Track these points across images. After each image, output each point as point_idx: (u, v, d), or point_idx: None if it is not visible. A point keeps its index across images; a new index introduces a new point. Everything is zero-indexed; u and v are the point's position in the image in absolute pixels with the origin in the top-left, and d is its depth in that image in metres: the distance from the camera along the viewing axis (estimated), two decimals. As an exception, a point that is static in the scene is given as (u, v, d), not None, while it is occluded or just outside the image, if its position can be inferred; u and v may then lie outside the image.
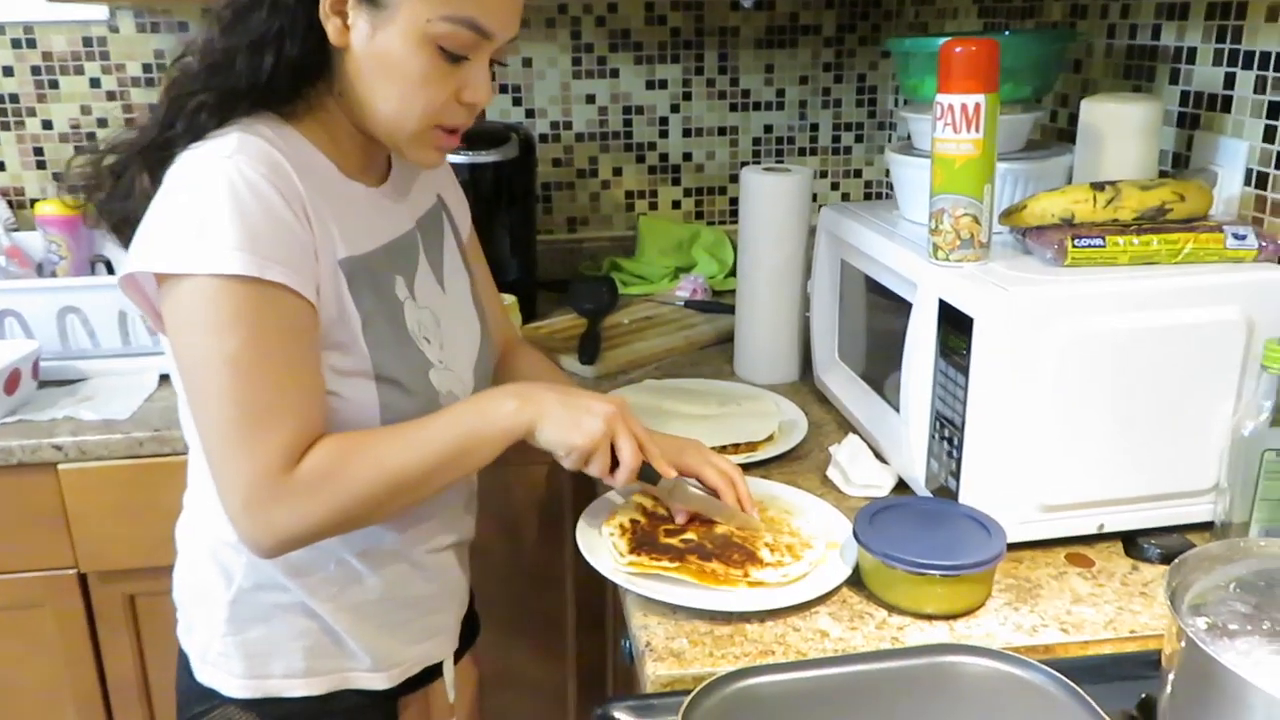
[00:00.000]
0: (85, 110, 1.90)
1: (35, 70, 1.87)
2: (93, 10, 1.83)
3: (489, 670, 1.52)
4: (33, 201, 1.88)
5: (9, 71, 1.86)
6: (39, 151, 1.90)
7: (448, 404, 0.98)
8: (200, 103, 0.88)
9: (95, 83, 1.89)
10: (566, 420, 0.92)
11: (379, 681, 1.03)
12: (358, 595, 1.00)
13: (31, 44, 1.85)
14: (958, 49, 1.00)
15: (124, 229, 0.90)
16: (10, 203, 1.86)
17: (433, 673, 1.11)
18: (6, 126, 1.88)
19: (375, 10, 0.86)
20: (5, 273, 1.68)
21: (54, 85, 1.88)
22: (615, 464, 0.94)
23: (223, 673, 1.00)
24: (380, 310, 0.93)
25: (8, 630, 1.45)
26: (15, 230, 1.79)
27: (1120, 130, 1.14)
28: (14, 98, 1.87)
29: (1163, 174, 1.25)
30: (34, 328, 1.52)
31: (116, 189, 0.92)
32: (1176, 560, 0.73)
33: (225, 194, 0.82)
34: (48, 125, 1.89)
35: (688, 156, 2.08)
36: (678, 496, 1.04)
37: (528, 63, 1.98)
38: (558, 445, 0.93)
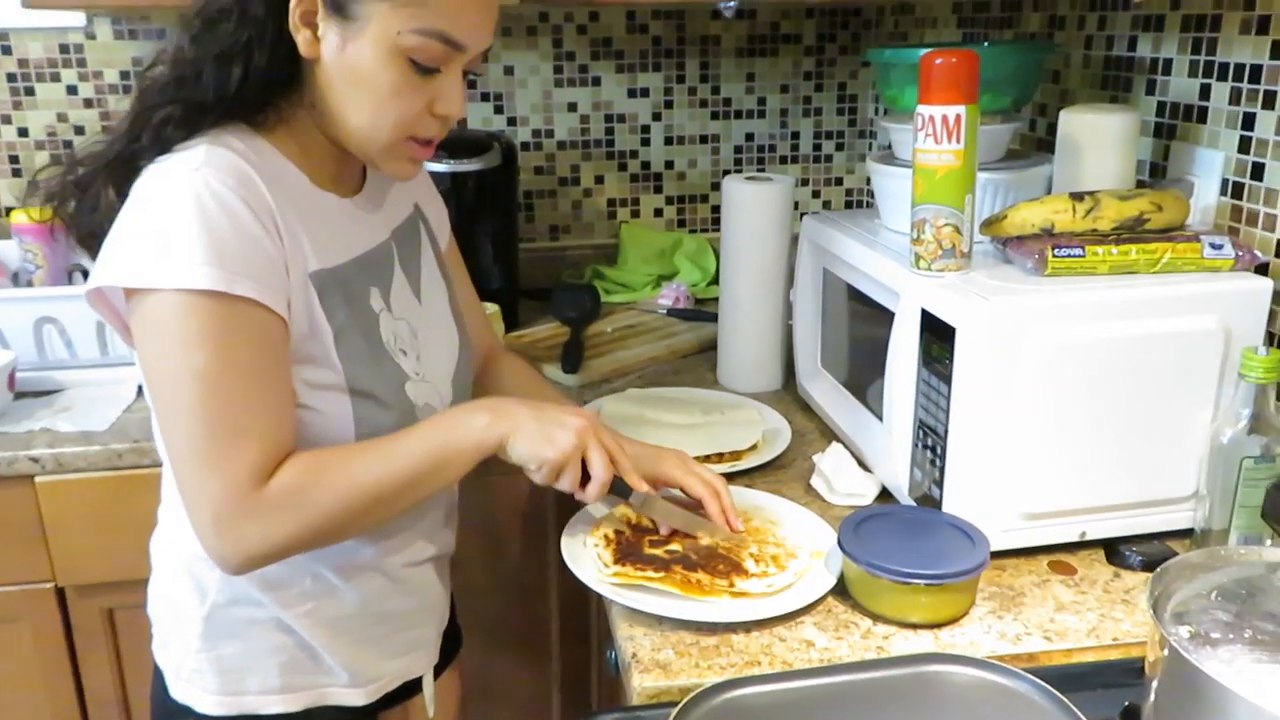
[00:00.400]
0: (62, 118, 1.88)
1: (11, 77, 1.85)
2: (70, 17, 1.82)
3: (472, 682, 1.51)
4: (8, 210, 1.86)
5: (-17, 79, 1.84)
6: (14, 160, 1.88)
7: (424, 416, 0.98)
8: (166, 115, 0.87)
9: (72, 90, 1.87)
10: (538, 434, 0.91)
11: (357, 697, 1.02)
12: (334, 610, 0.99)
13: (7, 51, 1.83)
14: (938, 60, 1.01)
15: (91, 242, 0.89)
16: (-14, 210, 1.84)
17: (413, 688, 1.10)
18: (-19, 134, 1.86)
19: (345, 22, 0.85)
20: (-21, 283, 1.66)
21: (30, 92, 1.86)
22: (587, 478, 0.94)
23: (197, 689, 0.99)
24: (353, 323, 0.92)
25: (-17, 645, 1.43)
26: (-12, 239, 1.77)
27: (1098, 141, 1.15)
28: (-11, 105, 1.85)
29: (1140, 184, 1.26)
30: (10, 338, 1.50)
31: (83, 202, 0.90)
32: (1159, 569, 0.74)
33: (192, 207, 0.81)
34: (24, 133, 1.87)
35: (669, 164, 2.09)
36: (652, 510, 1.04)
37: (509, 71, 1.98)
38: (529, 459, 0.92)
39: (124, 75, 1.88)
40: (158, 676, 1.02)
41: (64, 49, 1.85)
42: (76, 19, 1.83)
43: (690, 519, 1.04)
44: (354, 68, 0.86)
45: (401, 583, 1.03)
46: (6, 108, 1.86)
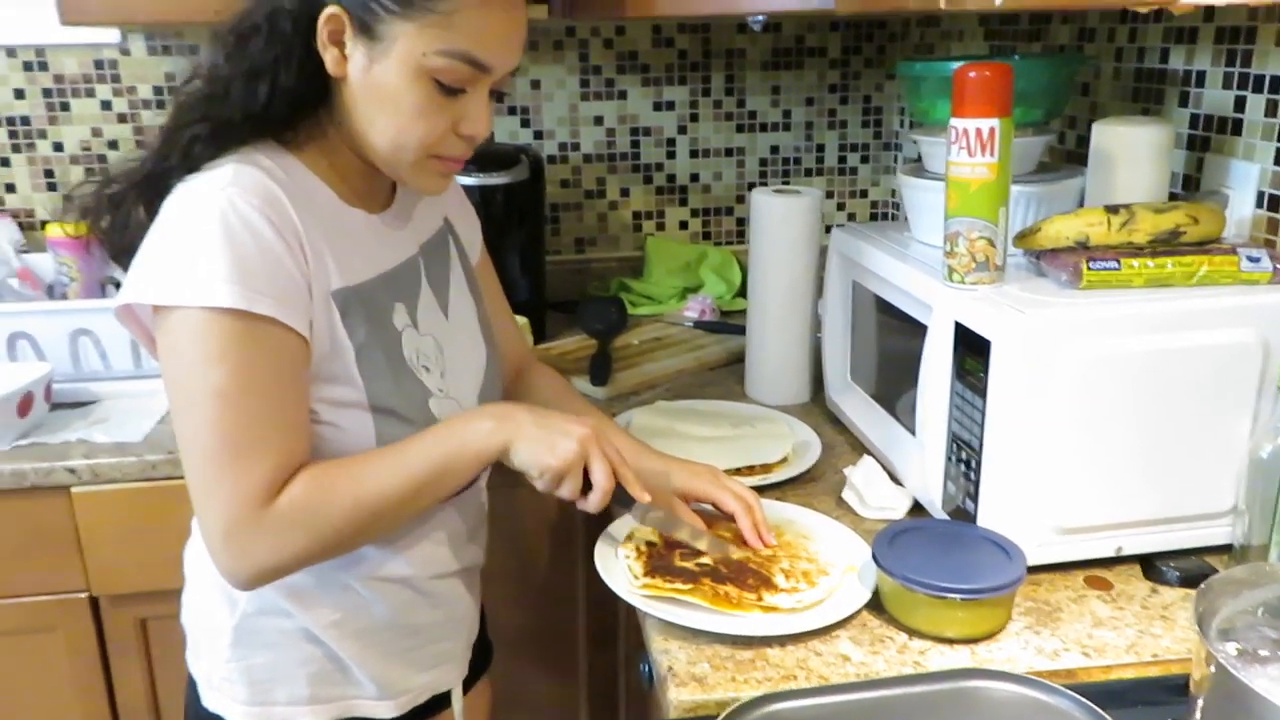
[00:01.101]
0: (96, 132, 1.90)
1: (47, 93, 1.88)
2: (104, 33, 1.85)
3: (501, 693, 1.51)
4: (43, 223, 1.89)
5: (20, 94, 1.87)
6: (49, 174, 1.91)
7: None
8: (194, 134, 0.88)
9: (106, 105, 1.90)
10: (541, 441, 0.91)
11: (385, 710, 1.02)
12: (362, 622, 0.99)
13: (43, 66, 1.86)
14: (972, 74, 1.01)
15: (124, 258, 0.90)
16: (21, 224, 1.86)
17: (442, 701, 1.10)
18: (18, 149, 1.89)
19: (372, 42, 0.85)
20: (17, 295, 1.68)
21: (65, 108, 1.89)
22: (589, 488, 0.94)
23: (227, 699, 1.00)
24: (375, 341, 0.92)
25: (19, 654, 1.44)
26: (26, 252, 1.79)
27: (1132, 153, 1.15)
28: (25, 120, 1.88)
29: (1173, 196, 1.25)
30: (46, 350, 1.52)
31: (116, 218, 0.92)
32: (1202, 585, 0.73)
33: (217, 226, 0.82)
34: (59, 147, 1.90)
35: (695, 177, 2.09)
36: (653, 521, 1.03)
37: (536, 85, 1.99)
38: (531, 466, 0.92)
39: (157, 91, 1.90)
40: (191, 686, 1.04)
41: (99, 65, 1.88)
42: (111, 35, 1.86)
43: (694, 532, 1.03)
44: (380, 87, 0.87)
45: (429, 595, 1.04)
46: (43, 122, 1.89)
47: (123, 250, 0.90)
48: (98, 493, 1.37)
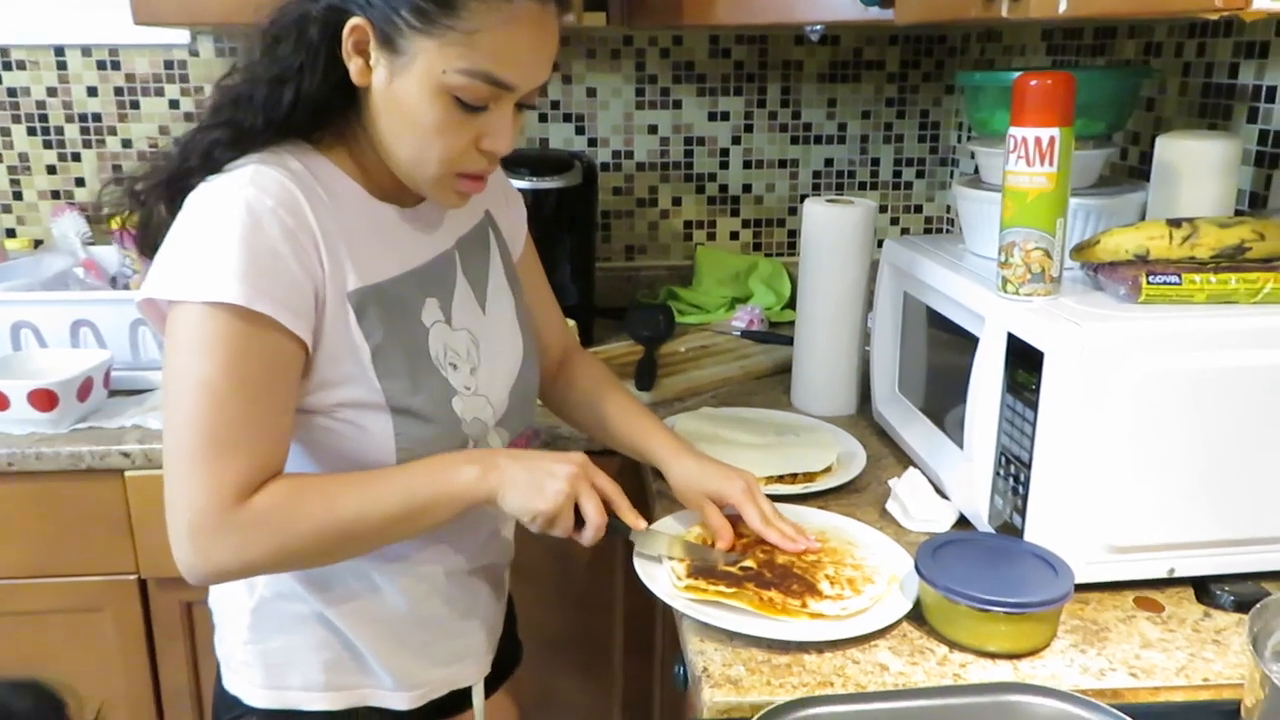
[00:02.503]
0: (163, 130, 1.96)
1: (118, 91, 1.93)
2: (175, 34, 1.90)
3: (534, 695, 1.51)
4: (109, 217, 1.94)
5: (93, 92, 1.93)
6: (117, 169, 1.97)
7: (471, 431, 0.98)
8: (215, 139, 0.88)
9: (174, 104, 1.95)
10: (529, 485, 0.90)
11: (400, 702, 1.02)
12: (378, 611, 1.00)
13: (116, 65, 1.92)
14: (1033, 82, 0.99)
15: (149, 253, 0.91)
16: (88, 217, 1.92)
17: (464, 699, 1.10)
18: (89, 144, 1.95)
19: (394, 56, 0.85)
20: (82, 284, 1.73)
21: (135, 105, 1.95)
22: (581, 522, 0.93)
23: (244, 681, 1.01)
24: (394, 339, 0.92)
25: (67, 632, 1.48)
26: (91, 244, 1.84)
27: (1197, 167, 1.12)
28: (97, 117, 1.94)
29: (1239, 213, 1.22)
30: (107, 338, 1.56)
31: (140, 216, 0.93)
32: (1257, 606, 0.71)
33: (228, 224, 0.82)
34: (127, 144, 1.96)
35: (747, 188, 2.09)
36: (652, 546, 1.02)
37: (592, 93, 2.00)
38: (522, 513, 0.91)
39: (223, 90, 1.95)
40: (216, 667, 1.05)
41: (168, 65, 1.93)
42: (181, 36, 1.91)
43: (693, 550, 1.02)
44: (400, 102, 0.86)
45: (448, 590, 1.04)
46: (113, 119, 1.95)
47: (149, 246, 0.92)
48: (150, 477, 1.40)
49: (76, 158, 1.96)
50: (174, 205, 0.88)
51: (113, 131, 1.95)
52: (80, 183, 1.97)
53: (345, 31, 0.85)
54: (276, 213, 0.84)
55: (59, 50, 1.90)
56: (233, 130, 0.89)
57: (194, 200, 0.86)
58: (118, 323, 1.56)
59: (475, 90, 0.85)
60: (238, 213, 0.83)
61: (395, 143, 0.89)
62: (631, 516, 0.97)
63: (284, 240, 0.84)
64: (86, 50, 1.91)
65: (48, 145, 1.95)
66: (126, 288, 1.76)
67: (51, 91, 1.92)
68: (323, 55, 0.87)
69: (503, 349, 1.05)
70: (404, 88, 0.86)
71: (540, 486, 0.90)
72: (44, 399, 1.39)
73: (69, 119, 1.94)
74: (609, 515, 0.94)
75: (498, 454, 0.93)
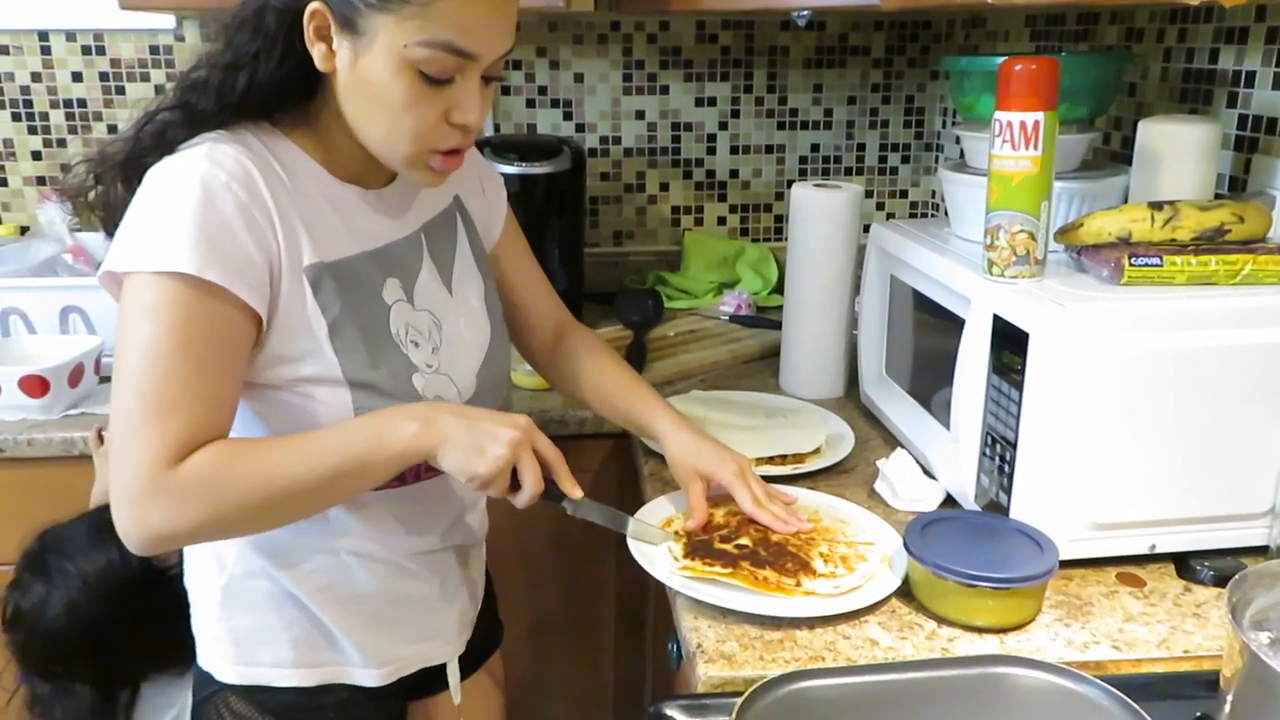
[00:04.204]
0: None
1: (104, 76, 1.92)
2: (160, 19, 1.89)
3: (528, 677, 1.52)
4: (73, 197, 1.93)
5: (78, 77, 1.92)
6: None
7: None
8: (168, 121, 0.89)
9: (159, 89, 1.94)
10: (469, 446, 0.89)
11: (369, 679, 1.04)
12: (346, 590, 1.01)
13: (101, 50, 1.91)
14: (1018, 66, 1.01)
15: (111, 231, 0.92)
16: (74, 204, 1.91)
17: (439, 677, 1.11)
18: (74, 130, 1.94)
19: (355, 37, 0.86)
20: (70, 270, 1.72)
21: (120, 91, 1.94)
22: (518, 485, 0.93)
23: (216, 657, 1.02)
24: (351, 315, 0.92)
25: (61, 618, 1.48)
26: (79, 230, 1.84)
27: (1178, 151, 1.14)
28: (82, 102, 1.93)
29: (1219, 197, 1.24)
30: (96, 324, 1.56)
31: (99, 196, 0.94)
32: (1237, 576, 0.73)
33: (182, 197, 0.83)
34: (113, 129, 1.95)
35: (734, 173, 2.10)
36: (586, 513, 1.01)
37: (579, 78, 2.01)
38: (459, 471, 0.90)
39: (210, 76, 1.94)
40: (192, 644, 1.06)
41: (154, 50, 1.92)
42: (167, 21, 1.90)
43: (641, 527, 1.04)
44: (366, 82, 0.87)
45: (416, 569, 1.05)
46: (98, 105, 1.94)
47: (110, 225, 0.92)
48: (143, 463, 1.40)
49: (62, 143, 1.95)
50: (130, 185, 0.89)
51: (98, 117, 1.94)
52: (66, 169, 1.95)
53: (305, 18, 0.86)
54: (230, 186, 0.85)
55: (43, 35, 1.89)
56: (185, 112, 0.90)
57: (151, 176, 0.87)
58: (107, 309, 1.54)
59: (439, 61, 0.86)
60: (192, 187, 0.84)
61: (366, 124, 0.90)
62: (569, 484, 0.97)
63: (237, 213, 0.85)
64: (71, 35, 1.90)
65: (32, 131, 1.94)
66: (114, 274, 1.75)
67: (36, 77, 1.91)
68: (280, 43, 0.88)
69: (468, 331, 1.05)
70: (368, 67, 0.86)
71: (480, 448, 0.90)
72: (35, 385, 1.39)
73: (54, 104, 1.93)
74: (546, 482, 0.94)
75: (441, 409, 0.92)
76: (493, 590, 1.24)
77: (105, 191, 0.93)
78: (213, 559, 1.01)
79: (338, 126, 0.93)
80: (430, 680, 1.11)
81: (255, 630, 1.00)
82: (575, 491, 0.98)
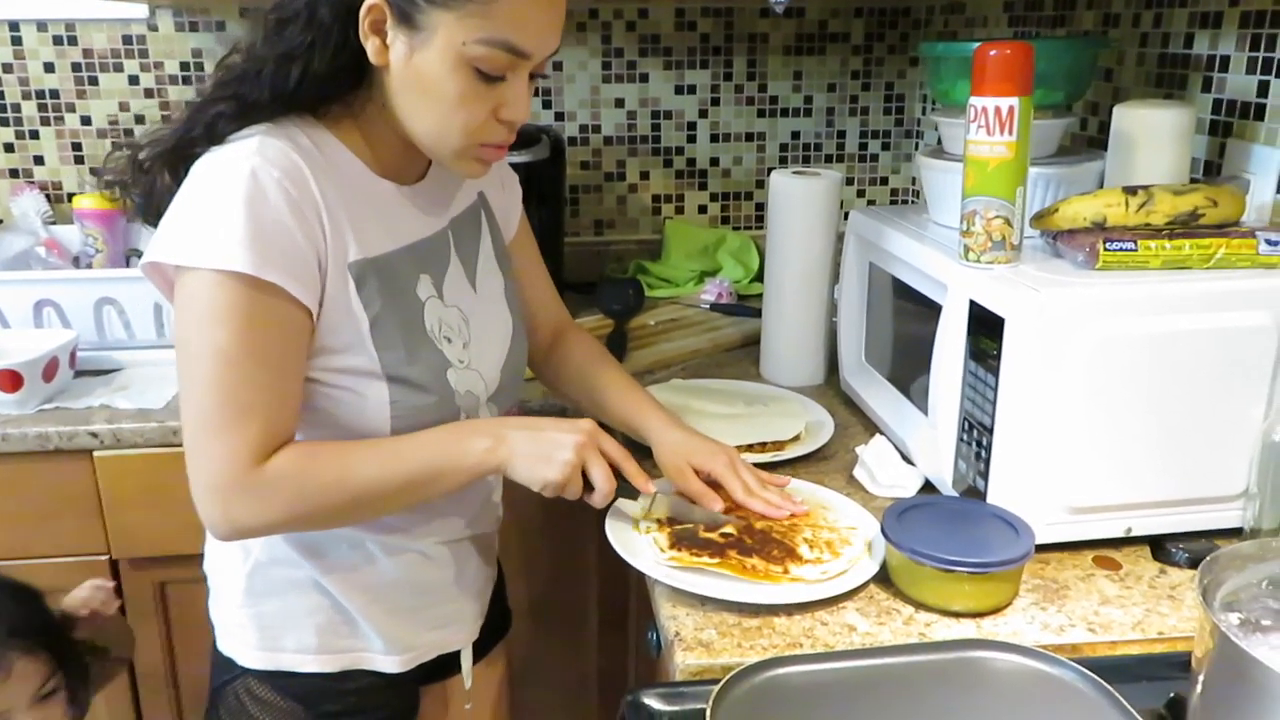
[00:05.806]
0: (124, 107, 1.93)
1: (76, 67, 1.90)
2: (133, 9, 1.87)
3: (513, 664, 1.52)
4: (70, 195, 1.92)
5: (50, 68, 1.90)
6: (77, 147, 1.94)
7: (464, 403, 1.00)
8: (219, 111, 0.90)
9: (134, 80, 1.92)
10: (537, 456, 0.94)
11: (390, 665, 1.05)
12: (370, 577, 1.02)
13: (73, 41, 1.89)
14: (992, 52, 1.01)
15: (152, 219, 0.93)
16: (49, 196, 1.89)
17: (452, 663, 1.13)
18: (46, 122, 1.92)
19: (413, 32, 0.87)
20: (44, 264, 1.71)
21: (93, 82, 1.92)
22: (591, 487, 0.96)
23: (239, 642, 1.03)
24: (391, 311, 0.94)
25: (39, 615, 1.47)
26: (53, 223, 1.82)
27: (1153, 136, 1.14)
28: (54, 93, 1.91)
29: (1193, 181, 1.25)
30: (71, 318, 1.55)
31: (144, 184, 0.94)
32: (1208, 558, 0.73)
33: (238, 194, 0.84)
34: (86, 121, 1.93)
35: (715, 161, 2.10)
36: (660, 509, 1.04)
37: (558, 66, 2.00)
38: (531, 482, 0.94)
39: (184, 66, 1.92)
40: (212, 631, 1.07)
41: (127, 40, 1.90)
42: (139, 10, 1.88)
43: (679, 506, 1.05)
44: (421, 76, 0.88)
45: (440, 557, 1.06)
46: (71, 96, 1.91)
47: (152, 214, 0.93)
48: (119, 457, 1.40)
49: (35, 135, 1.92)
50: (178, 174, 0.90)
51: (71, 108, 1.92)
52: (39, 160, 1.94)
53: (362, 12, 0.87)
54: (282, 183, 0.86)
55: (13, 25, 1.87)
56: (237, 103, 0.90)
57: (200, 168, 0.88)
58: (82, 302, 1.54)
59: (495, 60, 0.87)
60: (244, 182, 0.84)
61: (417, 118, 0.91)
62: (640, 480, 1.00)
63: (289, 210, 0.86)
64: (42, 25, 1.87)
65: (4, 123, 1.91)
66: (90, 267, 1.74)
67: (7, 68, 1.89)
68: (334, 35, 0.88)
69: (492, 326, 1.07)
70: (424, 63, 0.87)
71: (548, 457, 0.93)
72: (8, 380, 1.38)
73: (25, 95, 1.90)
74: (617, 479, 0.97)
75: (505, 424, 0.96)
76: (503, 578, 1.25)
77: (150, 180, 0.94)
78: (238, 547, 1.02)
79: (381, 120, 0.94)
80: (443, 665, 1.12)
81: (279, 616, 1.02)
82: (648, 486, 1.01)
